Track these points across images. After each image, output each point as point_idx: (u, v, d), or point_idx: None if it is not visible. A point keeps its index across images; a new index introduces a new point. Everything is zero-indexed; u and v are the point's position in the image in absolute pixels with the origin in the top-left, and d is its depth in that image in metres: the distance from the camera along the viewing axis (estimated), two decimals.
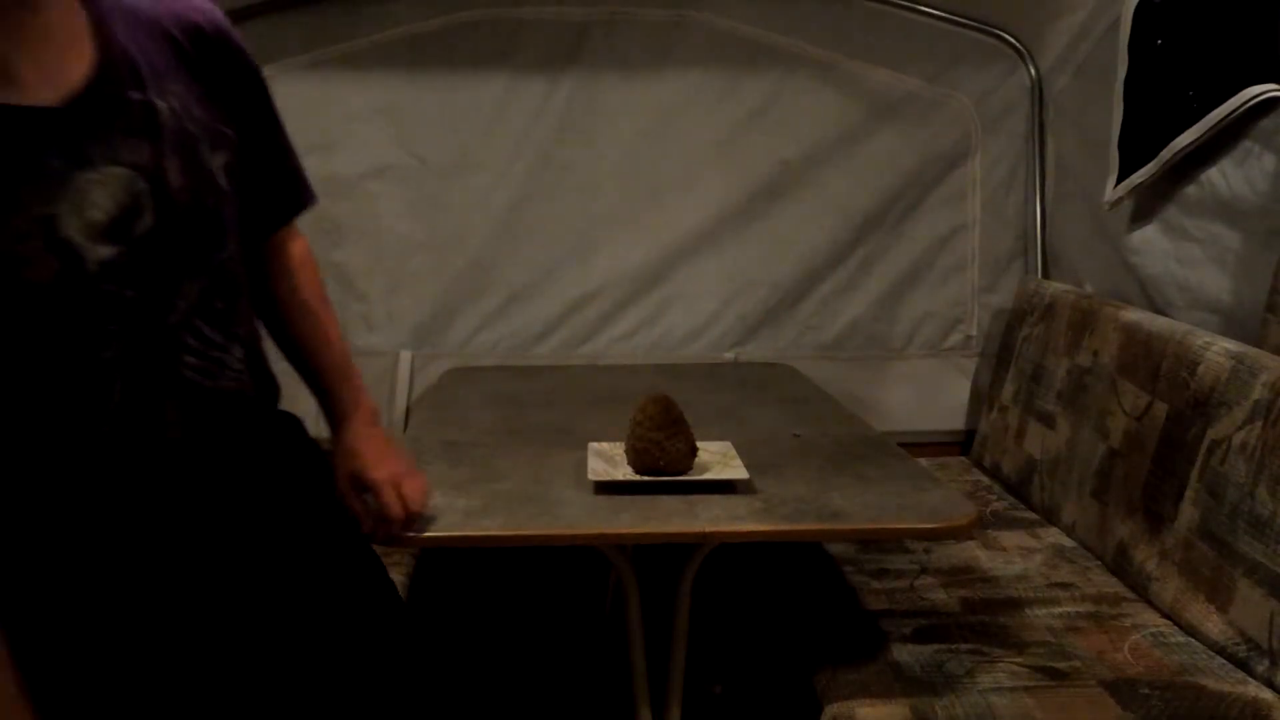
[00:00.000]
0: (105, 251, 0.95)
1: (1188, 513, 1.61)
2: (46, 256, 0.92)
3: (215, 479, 1.06)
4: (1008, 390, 2.33)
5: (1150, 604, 1.67)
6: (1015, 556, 1.89)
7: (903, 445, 1.72)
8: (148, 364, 1.00)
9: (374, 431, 1.30)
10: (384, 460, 1.28)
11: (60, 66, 0.95)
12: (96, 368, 0.97)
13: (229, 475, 1.07)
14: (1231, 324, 1.79)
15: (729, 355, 2.57)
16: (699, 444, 1.49)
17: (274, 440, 1.17)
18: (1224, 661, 1.49)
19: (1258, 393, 1.51)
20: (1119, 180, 2.06)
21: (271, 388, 1.19)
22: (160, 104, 1.01)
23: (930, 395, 2.61)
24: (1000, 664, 1.49)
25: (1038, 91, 2.50)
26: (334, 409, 1.29)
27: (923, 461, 1.85)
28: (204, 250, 1.04)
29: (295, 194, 1.24)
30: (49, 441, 0.97)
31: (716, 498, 1.43)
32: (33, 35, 0.93)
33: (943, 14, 2.45)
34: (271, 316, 1.25)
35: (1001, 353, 2.42)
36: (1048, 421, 2.12)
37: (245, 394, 1.10)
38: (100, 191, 0.95)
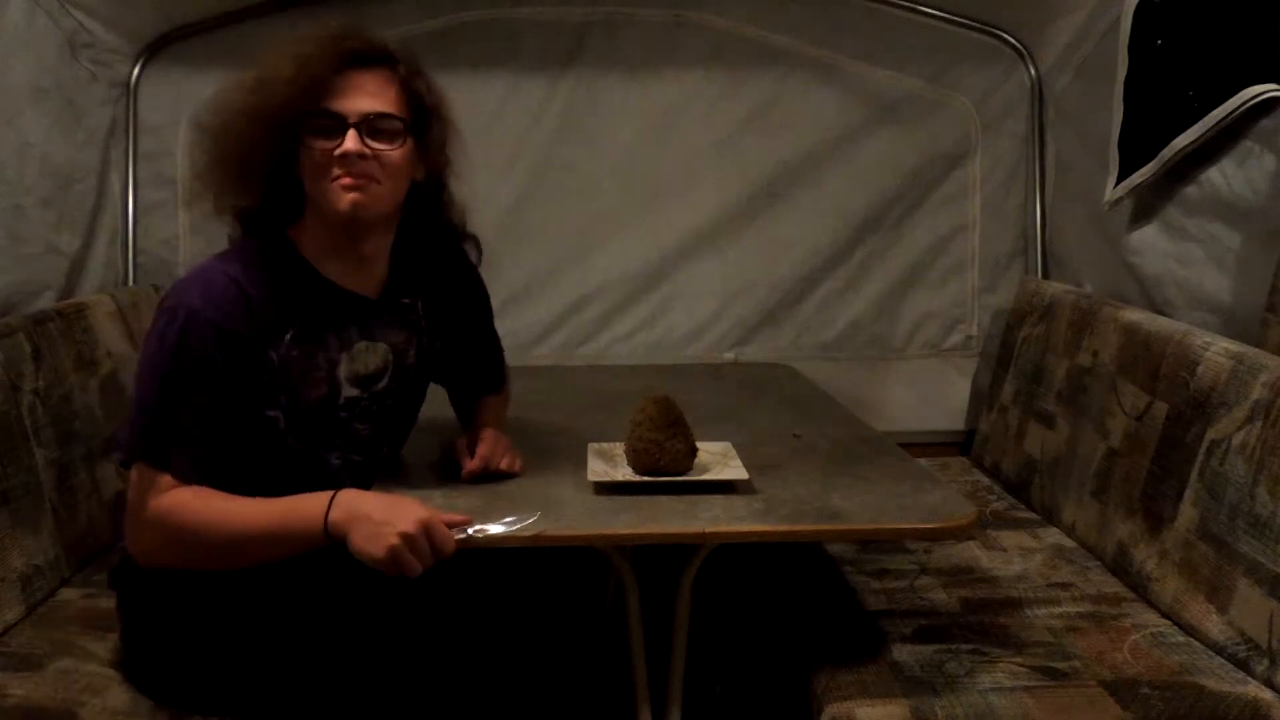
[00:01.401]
0: (352, 392, 1.47)
1: (1188, 513, 1.61)
2: (321, 385, 1.43)
3: None
4: (1008, 390, 2.33)
5: (1150, 604, 1.67)
6: (1015, 556, 1.89)
7: (903, 445, 1.72)
8: (359, 477, 1.47)
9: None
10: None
11: (371, 272, 1.49)
12: (327, 471, 1.46)
13: None
14: (1231, 324, 1.79)
15: (729, 356, 2.57)
16: (699, 444, 1.49)
17: None
18: (1224, 661, 1.49)
19: (1258, 393, 1.51)
20: (1119, 180, 2.06)
21: None
22: (418, 306, 1.56)
23: (930, 395, 2.61)
24: (1000, 664, 1.48)
25: (1038, 91, 2.50)
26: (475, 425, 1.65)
27: (923, 461, 1.85)
28: (413, 407, 1.60)
29: (497, 376, 1.79)
30: None
31: (716, 498, 1.42)
32: (355, 255, 1.46)
33: (943, 14, 2.45)
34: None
35: (1001, 353, 2.42)
36: (1048, 422, 2.11)
37: None
38: (370, 355, 1.48)
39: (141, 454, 1.34)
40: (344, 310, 1.46)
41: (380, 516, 1.28)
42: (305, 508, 1.32)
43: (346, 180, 1.36)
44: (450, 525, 1.30)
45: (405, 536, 1.26)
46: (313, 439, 1.45)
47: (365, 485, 1.43)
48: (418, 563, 1.27)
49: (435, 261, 1.60)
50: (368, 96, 1.38)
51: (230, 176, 1.40)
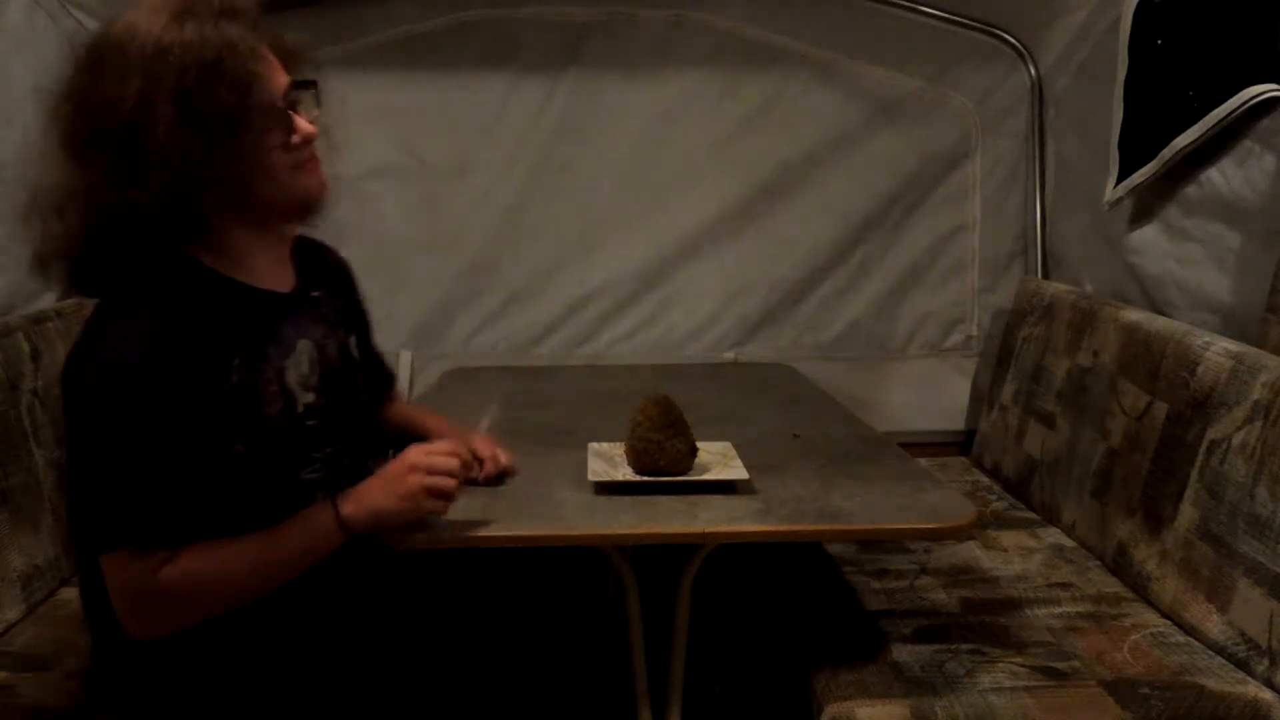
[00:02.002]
0: (307, 398, 1.32)
1: (1188, 513, 1.61)
2: (278, 399, 1.29)
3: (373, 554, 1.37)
4: (1008, 390, 2.33)
5: (1150, 604, 1.67)
6: (1015, 556, 1.89)
7: (903, 445, 1.72)
8: (338, 481, 1.33)
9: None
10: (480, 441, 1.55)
11: (286, 268, 1.37)
12: (302, 486, 1.31)
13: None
14: (1231, 324, 1.79)
15: (729, 356, 2.57)
16: (699, 444, 1.49)
17: None
18: (1224, 661, 1.49)
19: (1258, 393, 1.51)
20: (1119, 180, 2.06)
21: None
22: (325, 299, 1.43)
23: (930, 395, 2.61)
24: (1000, 664, 1.49)
25: (1038, 91, 2.50)
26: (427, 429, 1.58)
27: (923, 461, 1.85)
28: (353, 408, 1.43)
29: (389, 372, 1.68)
30: None
31: (716, 498, 1.42)
32: (279, 252, 1.36)
33: (943, 14, 2.45)
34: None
35: (1001, 353, 2.41)
36: (1048, 421, 2.11)
37: None
38: (303, 355, 1.33)
39: (126, 539, 1.19)
40: (272, 314, 1.32)
41: (385, 478, 1.30)
42: (315, 521, 1.27)
43: (316, 160, 1.29)
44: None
45: (417, 470, 1.29)
46: (281, 459, 1.30)
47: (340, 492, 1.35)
48: (450, 483, 1.30)
49: (318, 251, 1.49)
50: (284, 67, 1.28)
51: (164, 196, 1.18)
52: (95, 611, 1.34)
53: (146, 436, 1.17)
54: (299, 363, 1.33)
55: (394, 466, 1.31)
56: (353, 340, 1.48)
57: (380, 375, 1.62)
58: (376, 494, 1.29)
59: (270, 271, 1.33)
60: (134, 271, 1.22)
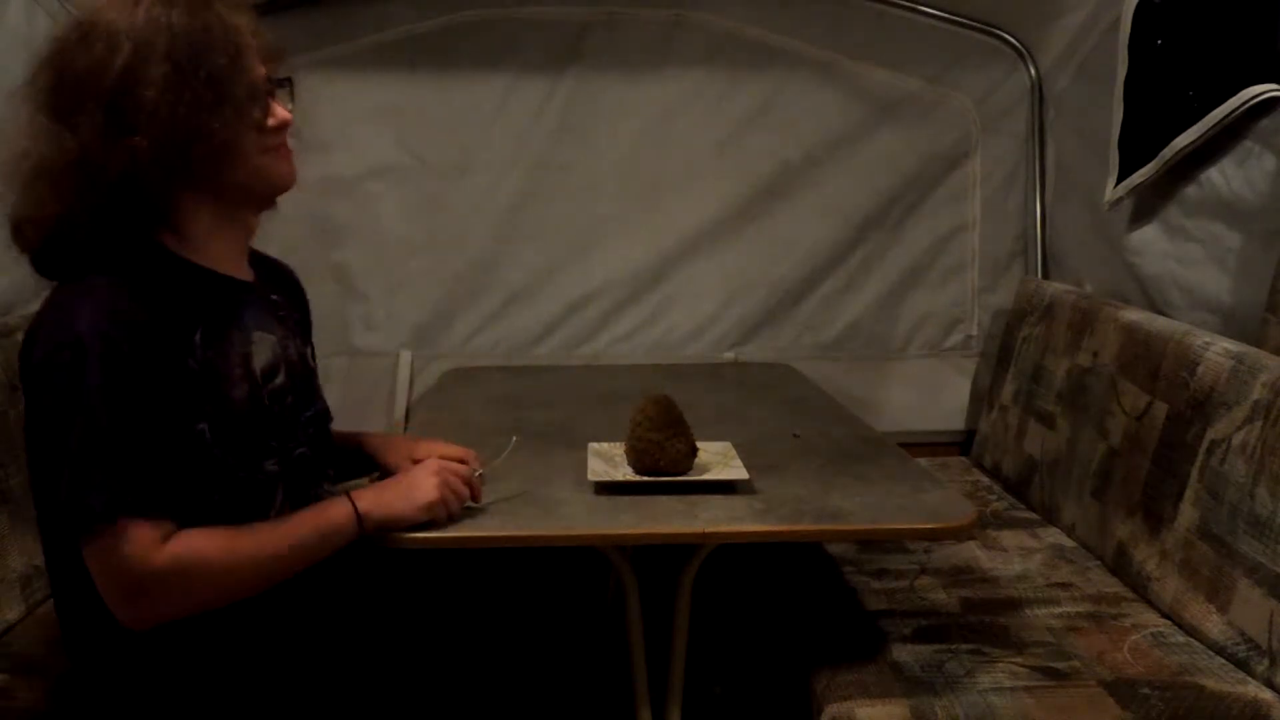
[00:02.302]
0: (273, 383, 1.32)
1: (1188, 513, 1.61)
2: (242, 383, 1.27)
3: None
4: (1008, 390, 2.33)
5: (1150, 604, 1.67)
6: (1015, 556, 1.89)
7: (903, 445, 1.72)
8: (300, 480, 1.34)
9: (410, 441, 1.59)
10: (432, 444, 1.54)
11: (245, 261, 1.37)
12: (264, 478, 1.29)
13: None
14: (1231, 324, 1.79)
15: (729, 355, 2.57)
16: (699, 444, 1.49)
17: None
18: (1224, 661, 1.49)
19: (1258, 393, 1.51)
20: (1119, 180, 2.06)
21: None
22: (283, 304, 1.43)
23: (930, 395, 2.61)
24: (1000, 664, 1.49)
25: (1038, 91, 2.50)
26: (383, 454, 1.55)
27: (923, 461, 1.85)
28: (307, 401, 1.41)
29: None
30: None
31: (716, 498, 1.42)
32: (241, 242, 1.36)
33: (943, 14, 2.45)
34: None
35: (1001, 353, 2.41)
36: (1048, 421, 2.11)
37: None
38: (263, 347, 1.32)
39: (118, 509, 1.13)
40: (234, 299, 1.31)
41: (405, 479, 1.35)
42: (330, 514, 1.27)
43: (287, 149, 1.30)
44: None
45: (439, 472, 1.33)
46: (245, 444, 1.27)
47: (300, 494, 1.33)
48: (465, 489, 1.35)
49: (274, 264, 1.51)
50: (262, 58, 1.28)
51: (154, 169, 1.19)
52: (71, 617, 1.31)
53: (112, 402, 1.13)
54: (262, 352, 1.32)
55: (417, 473, 1.35)
56: (309, 351, 1.48)
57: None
58: (396, 497, 1.31)
59: (232, 260, 1.33)
60: (96, 251, 1.21)
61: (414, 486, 1.32)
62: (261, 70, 1.28)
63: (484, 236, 2.50)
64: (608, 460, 1.52)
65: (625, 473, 1.48)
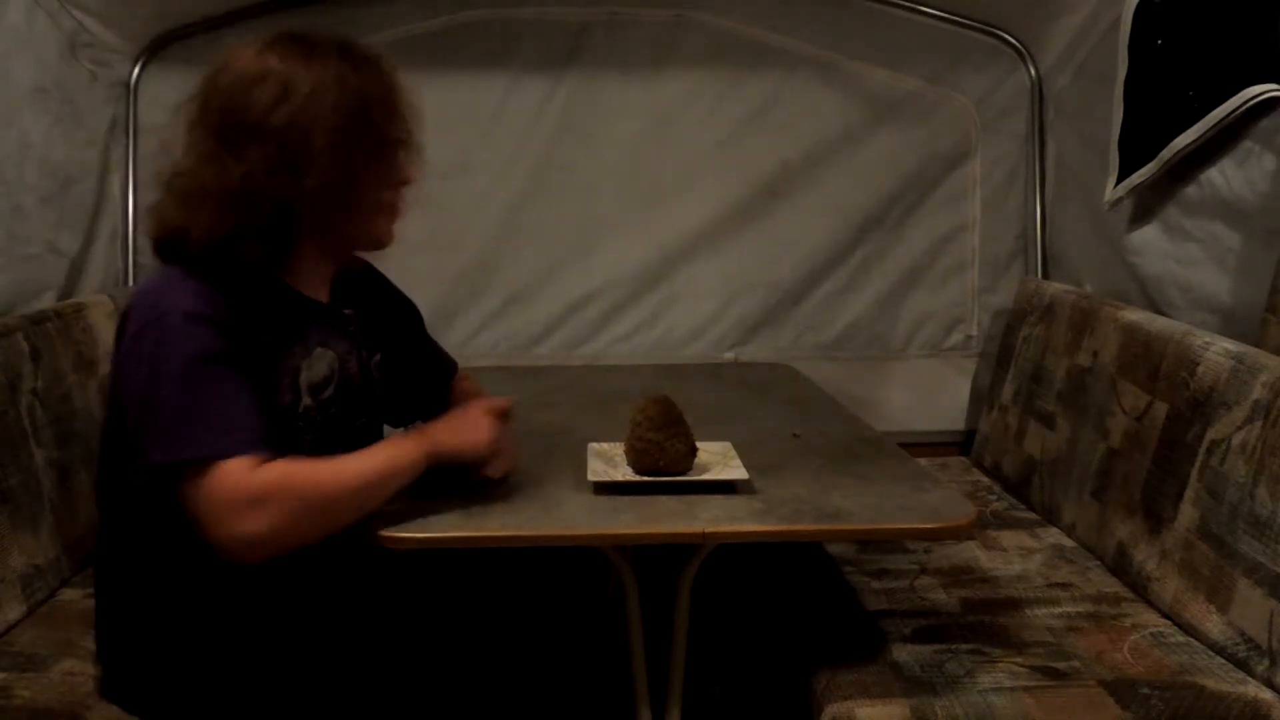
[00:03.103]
0: (307, 401, 1.39)
1: (1188, 513, 1.61)
2: (288, 392, 1.36)
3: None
4: (1008, 390, 2.33)
5: (1150, 604, 1.67)
6: (1015, 556, 1.89)
7: (903, 445, 1.72)
8: None
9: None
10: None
11: (326, 288, 1.46)
12: None
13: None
14: (1231, 324, 1.79)
15: (729, 355, 2.57)
16: (699, 444, 1.49)
17: None
18: (1224, 661, 1.49)
19: (1257, 393, 1.51)
20: (1119, 180, 2.06)
21: None
22: (354, 317, 1.50)
23: (930, 395, 2.61)
24: (1000, 664, 1.49)
25: (1038, 91, 2.50)
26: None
27: (923, 461, 1.85)
28: (352, 425, 1.46)
29: (446, 367, 1.76)
30: None
31: (716, 498, 1.42)
32: (325, 274, 1.46)
33: (943, 14, 2.45)
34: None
35: (1001, 353, 2.41)
36: (1048, 421, 2.11)
37: None
38: (320, 362, 1.41)
39: (207, 449, 1.23)
40: (304, 316, 1.41)
41: (459, 416, 1.44)
42: (399, 449, 1.36)
43: (400, 210, 1.43)
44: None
45: (490, 414, 1.43)
46: (281, 441, 1.33)
47: None
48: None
49: (360, 272, 1.57)
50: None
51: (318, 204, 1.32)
52: (108, 599, 1.40)
53: (206, 359, 1.25)
54: (314, 366, 1.40)
55: (470, 412, 1.44)
56: (376, 359, 1.53)
57: (438, 365, 1.73)
58: (449, 434, 1.40)
59: (313, 286, 1.43)
60: (212, 250, 1.30)
61: (466, 421, 1.43)
62: (411, 132, 1.39)
63: (484, 236, 2.50)
64: (607, 460, 1.52)
65: (625, 473, 1.48)
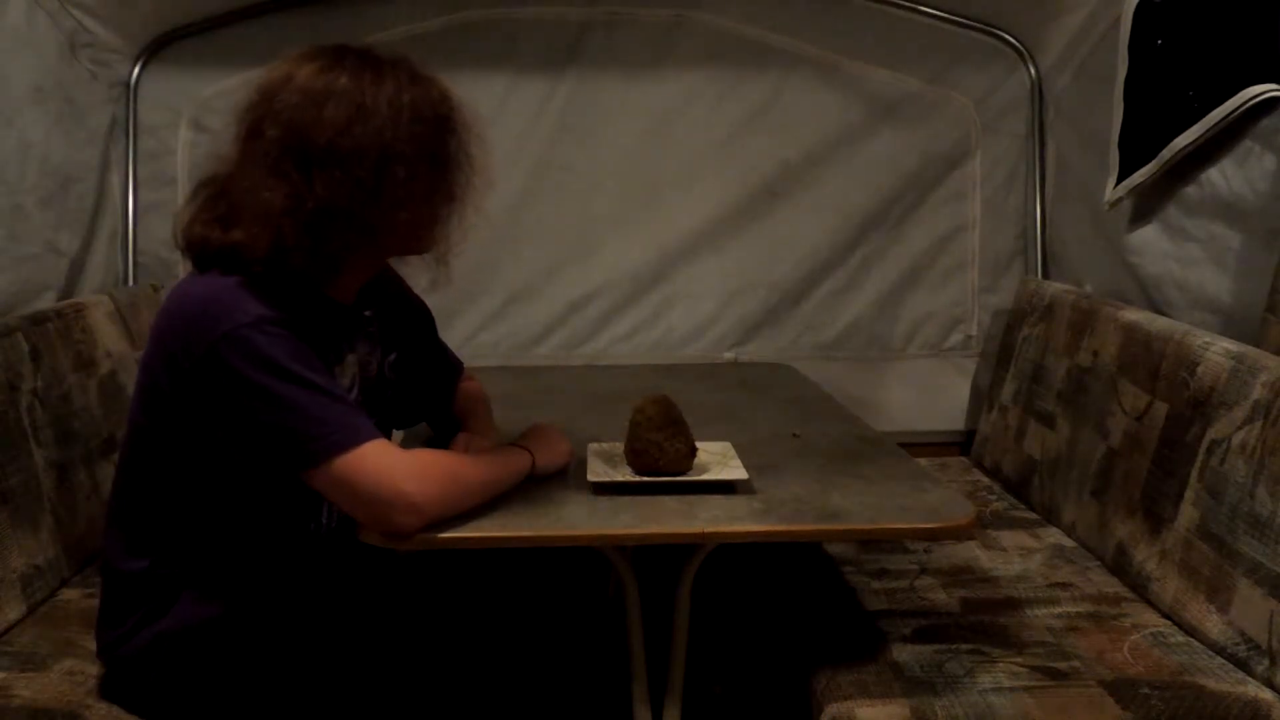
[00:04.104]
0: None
1: (1188, 513, 1.61)
2: None
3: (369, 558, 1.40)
4: (1008, 390, 2.33)
5: (1150, 604, 1.67)
6: (1015, 556, 1.89)
7: (903, 445, 1.72)
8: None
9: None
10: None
11: (354, 292, 1.44)
12: (293, 486, 1.29)
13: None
14: (1231, 324, 1.79)
15: (729, 355, 2.57)
16: (699, 444, 1.49)
17: None
18: (1224, 661, 1.49)
19: (1257, 393, 1.51)
20: (1119, 180, 2.06)
21: None
22: (373, 318, 1.50)
23: (930, 395, 2.61)
24: (1000, 664, 1.49)
25: (1038, 91, 2.50)
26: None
27: (923, 461, 1.85)
28: (373, 411, 1.42)
29: (453, 368, 1.76)
30: (291, 547, 1.41)
31: (716, 498, 1.42)
32: (358, 283, 1.44)
33: (943, 14, 2.45)
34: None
35: (1001, 353, 2.42)
36: (1048, 421, 2.11)
37: None
38: (346, 368, 1.43)
39: (351, 438, 1.24)
40: (333, 322, 1.40)
41: (545, 440, 1.50)
42: (520, 460, 1.43)
43: (444, 225, 1.42)
44: None
45: (560, 433, 1.54)
46: None
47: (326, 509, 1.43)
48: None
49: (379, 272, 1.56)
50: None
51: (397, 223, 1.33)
52: (113, 597, 1.40)
53: (300, 363, 1.25)
54: (344, 374, 1.42)
55: (551, 432, 1.53)
56: (391, 359, 1.55)
57: (446, 367, 1.74)
58: (546, 455, 1.47)
59: (344, 291, 1.42)
60: (267, 263, 1.28)
61: (552, 442, 1.51)
62: (475, 149, 1.39)
63: (484, 236, 2.49)
64: (608, 460, 1.52)
65: (625, 473, 1.48)
